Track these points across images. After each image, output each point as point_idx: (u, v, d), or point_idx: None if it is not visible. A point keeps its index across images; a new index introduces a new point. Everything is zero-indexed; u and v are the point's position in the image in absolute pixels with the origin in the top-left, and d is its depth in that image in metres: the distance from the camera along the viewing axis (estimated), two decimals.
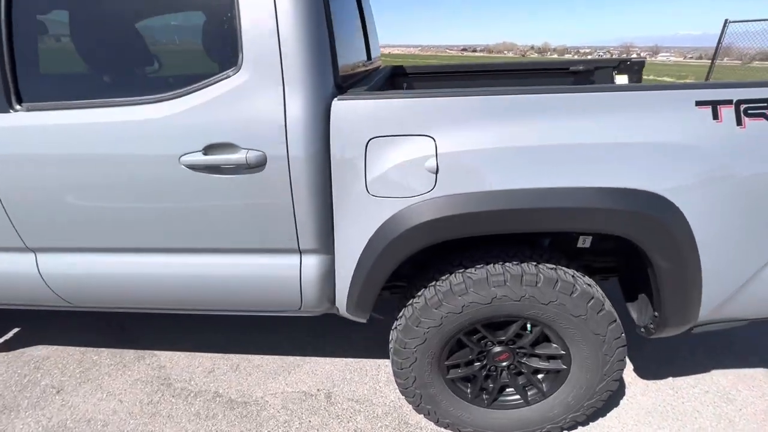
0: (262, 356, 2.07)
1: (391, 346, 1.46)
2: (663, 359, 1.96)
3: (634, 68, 2.53)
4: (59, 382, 1.92)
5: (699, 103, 1.06)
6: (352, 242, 1.26)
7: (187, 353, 2.10)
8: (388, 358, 2.09)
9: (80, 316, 2.32)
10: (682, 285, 1.17)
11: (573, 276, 1.27)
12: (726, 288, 1.19)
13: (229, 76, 1.15)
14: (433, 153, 1.12)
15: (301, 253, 1.34)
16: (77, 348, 2.16)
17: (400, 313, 1.41)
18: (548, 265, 1.28)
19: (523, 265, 1.27)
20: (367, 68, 2.04)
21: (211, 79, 1.16)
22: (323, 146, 1.18)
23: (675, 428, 1.63)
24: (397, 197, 1.16)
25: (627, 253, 1.49)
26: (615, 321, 1.29)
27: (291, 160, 1.17)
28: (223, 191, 1.22)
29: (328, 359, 2.04)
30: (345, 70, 1.43)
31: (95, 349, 2.15)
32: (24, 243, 1.40)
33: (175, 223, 1.28)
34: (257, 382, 1.91)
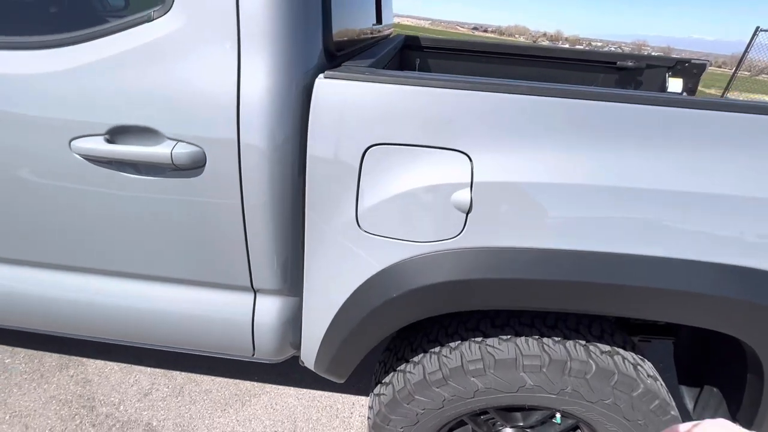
0: (212, 378, 1.70)
1: (369, 417, 1.10)
2: None
3: (692, 72, 2.11)
4: None
5: None
6: (327, 290, 0.87)
7: (123, 366, 1.72)
8: (363, 394, 1.75)
9: None
10: None
11: (635, 366, 0.91)
12: None
13: (151, 19, 0.71)
14: (467, 180, 0.71)
15: (255, 292, 0.94)
16: None
17: (387, 378, 1.04)
18: (601, 346, 0.91)
19: (568, 344, 0.90)
20: (375, 36, 1.57)
21: (121, 21, 0.71)
22: (295, 148, 0.76)
23: None
24: (403, 240, 0.76)
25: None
26: None
27: (243, 166, 0.75)
28: (138, 199, 0.80)
29: (292, 389, 1.69)
30: (344, 33, 0.98)
31: (9, 348, 1.75)
32: None
33: (66, 235, 0.86)
34: (201, 413, 1.55)
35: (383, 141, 0.72)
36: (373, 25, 1.55)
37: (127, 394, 1.60)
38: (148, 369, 1.71)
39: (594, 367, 0.87)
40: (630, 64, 2.16)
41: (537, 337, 0.91)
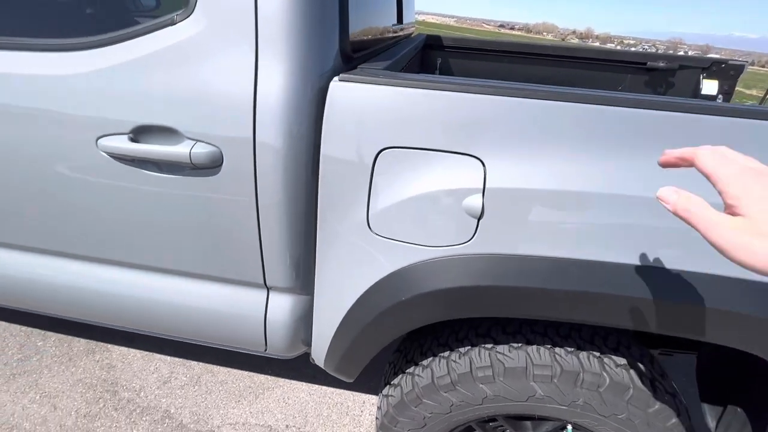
0: (228, 370, 1.75)
1: (377, 417, 1.10)
2: None
3: (729, 73, 2.01)
4: None
5: None
6: (338, 289, 0.88)
7: (144, 353, 1.79)
8: (374, 393, 1.76)
9: None
10: None
11: (652, 381, 0.87)
12: None
13: (174, 23, 0.73)
14: (479, 185, 0.70)
15: (268, 289, 0.96)
16: (22, 327, 1.87)
17: (395, 380, 1.04)
18: (617, 358, 0.89)
19: (581, 355, 0.87)
20: (395, 35, 1.57)
21: (147, 24, 0.74)
22: (309, 149, 0.77)
23: None
24: (413, 244, 0.76)
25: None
26: None
27: (258, 165, 0.77)
28: (158, 196, 0.83)
29: (305, 385, 1.71)
30: (362, 34, 0.99)
31: (42, 332, 1.85)
32: None
33: (90, 228, 0.91)
34: (217, 403, 1.60)
35: (396, 144, 0.72)
36: (394, 24, 1.55)
37: (148, 381, 1.67)
38: (168, 358, 1.77)
39: (608, 380, 0.85)
40: (661, 64, 2.07)
41: (549, 346, 0.89)
